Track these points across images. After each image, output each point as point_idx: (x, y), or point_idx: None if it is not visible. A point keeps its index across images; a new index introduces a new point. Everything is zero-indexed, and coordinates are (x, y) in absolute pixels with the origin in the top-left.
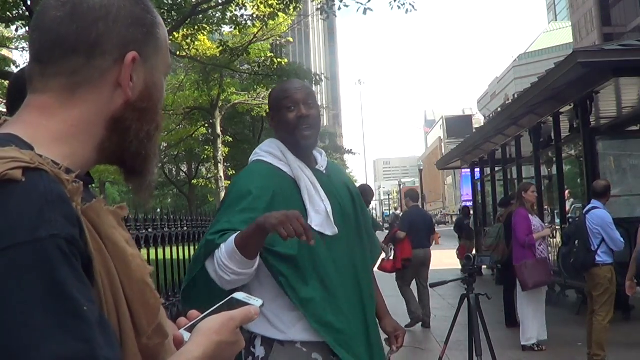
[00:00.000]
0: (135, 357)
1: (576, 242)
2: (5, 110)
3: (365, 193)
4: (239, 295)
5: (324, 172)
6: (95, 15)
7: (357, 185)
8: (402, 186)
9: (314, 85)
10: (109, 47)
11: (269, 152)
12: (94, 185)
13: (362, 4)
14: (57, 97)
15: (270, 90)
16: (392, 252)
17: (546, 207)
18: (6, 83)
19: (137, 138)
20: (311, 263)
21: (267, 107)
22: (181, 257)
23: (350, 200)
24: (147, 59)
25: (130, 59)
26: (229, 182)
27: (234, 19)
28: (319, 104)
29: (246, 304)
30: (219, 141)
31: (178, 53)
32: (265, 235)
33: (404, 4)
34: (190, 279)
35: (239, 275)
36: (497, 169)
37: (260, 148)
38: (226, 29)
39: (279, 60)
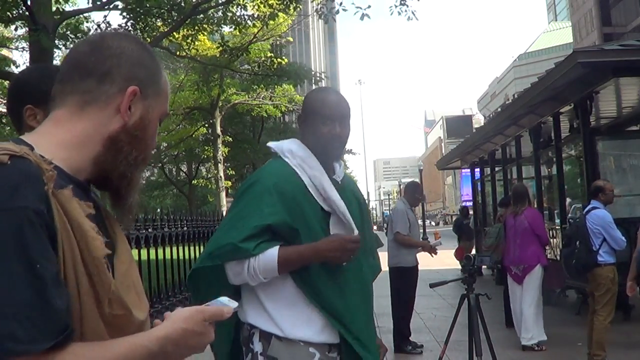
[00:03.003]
0: (94, 322)
1: (577, 242)
2: (5, 110)
3: (413, 190)
4: (223, 299)
5: (339, 182)
6: (111, 52)
7: (410, 181)
8: (401, 186)
9: (313, 84)
10: (117, 78)
11: (292, 152)
12: (91, 189)
13: (360, 8)
14: (70, 111)
15: (309, 92)
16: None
17: (553, 205)
18: (6, 83)
19: (127, 160)
20: (324, 266)
21: (269, 105)
22: (181, 257)
23: (359, 214)
24: (147, 98)
25: (131, 91)
26: (230, 182)
27: (234, 18)
28: None
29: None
30: (219, 141)
31: (178, 53)
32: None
33: (405, 10)
34: (201, 266)
35: (261, 283)
36: (497, 169)
37: (285, 144)
38: (226, 29)
39: (278, 60)
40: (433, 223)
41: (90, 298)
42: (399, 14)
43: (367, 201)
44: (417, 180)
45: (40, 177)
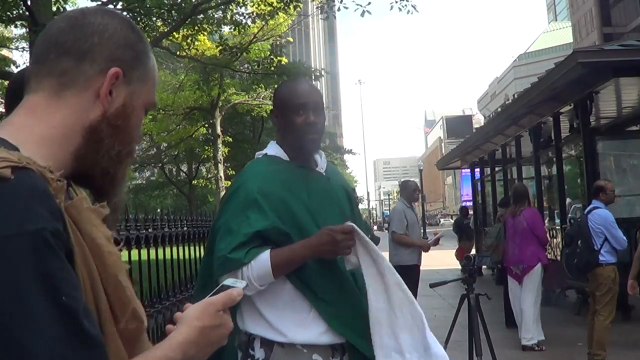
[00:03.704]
0: (114, 342)
1: (579, 242)
2: (4, 110)
3: (406, 187)
4: (228, 281)
5: (324, 174)
6: (93, 29)
7: (402, 180)
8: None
9: (313, 82)
10: (98, 58)
11: (273, 155)
12: (72, 187)
13: (361, 5)
14: (45, 97)
15: (277, 86)
16: None
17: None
18: (6, 83)
19: (108, 154)
20: (316, 265)
21: (269, 105)
22: (181, 257)
23: (348, 203)
24: (131, 82)
25: (113, 73)
26: (230, 182)
27: (234, 18)
28: None
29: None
30: (219, 141)
31: (178, 53)
32: (309, 260)
33: (405, 5)
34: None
35: (257, 291)
36: (497, 169)
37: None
38: (226, 29)
39: (278, 58)
40: (451, 220)
41: (110, 317)
42: (400, 9)
43: (367, 201)
44: (417, 180)
45: (48, 190)
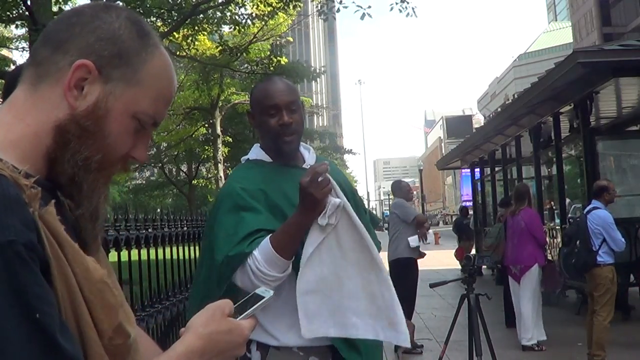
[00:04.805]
0: (101, 358)
1: (577, 242)
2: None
3: (399, 188)
4: (259, 290)
5: None
6: (80, 20)
7: (395, 181)
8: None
9: (313, 81)
10: (72, 48)
11: (255, 159)
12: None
13: (361, 7)
14: (24, 89)
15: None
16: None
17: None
18: None
19: (73, 159)
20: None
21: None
22: (181, 257)
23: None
24: (109, 81)
25: (79, 64)
26: (217, 195)
27: (234, 18)
28: (319, 104)
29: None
30: (219, 141)
31: (178, 53)
32: (307, 227)
33: (405, 7)
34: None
35: (280, 280)
36: (497, 169)
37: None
38: (226, 29)
39: (277, 58)
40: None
41: (92, 330)
42: (400, 11)
43: (367, 201)
44: (417, 180)
45: (21, 197)
